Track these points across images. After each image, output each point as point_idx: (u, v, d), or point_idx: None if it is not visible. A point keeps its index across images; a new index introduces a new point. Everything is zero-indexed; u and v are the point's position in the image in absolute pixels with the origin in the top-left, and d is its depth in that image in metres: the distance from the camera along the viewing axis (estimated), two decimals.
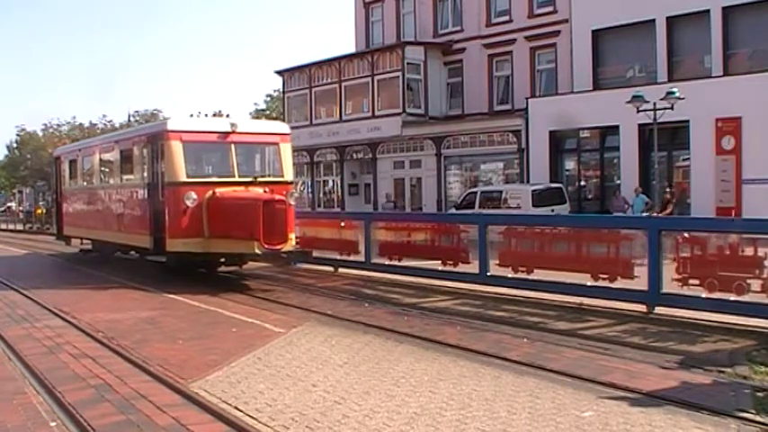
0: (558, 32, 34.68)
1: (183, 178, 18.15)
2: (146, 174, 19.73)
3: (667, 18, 30.99)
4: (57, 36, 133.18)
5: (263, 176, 19.21)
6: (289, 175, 19.96)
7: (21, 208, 68.59)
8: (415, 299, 15.39)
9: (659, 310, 12.31)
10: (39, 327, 12.65)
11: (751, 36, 29.28)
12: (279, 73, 44.61)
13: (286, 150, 20.05)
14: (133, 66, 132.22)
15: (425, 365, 9.45)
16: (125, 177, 21.94)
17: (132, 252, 22.34)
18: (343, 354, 10.22)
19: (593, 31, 33.41)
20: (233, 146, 18.91)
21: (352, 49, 43.65)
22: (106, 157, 23.64)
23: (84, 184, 26.18)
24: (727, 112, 26.02)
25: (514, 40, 36.30)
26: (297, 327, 12.12)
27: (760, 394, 8.06)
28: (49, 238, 37.95)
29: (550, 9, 35.01)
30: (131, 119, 64.68)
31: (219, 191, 18.26)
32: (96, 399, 8.22)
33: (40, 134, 72.88)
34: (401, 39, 40.64)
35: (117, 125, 63.66)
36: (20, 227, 54.94)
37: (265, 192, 18.30)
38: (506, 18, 36.80)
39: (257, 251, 16.89)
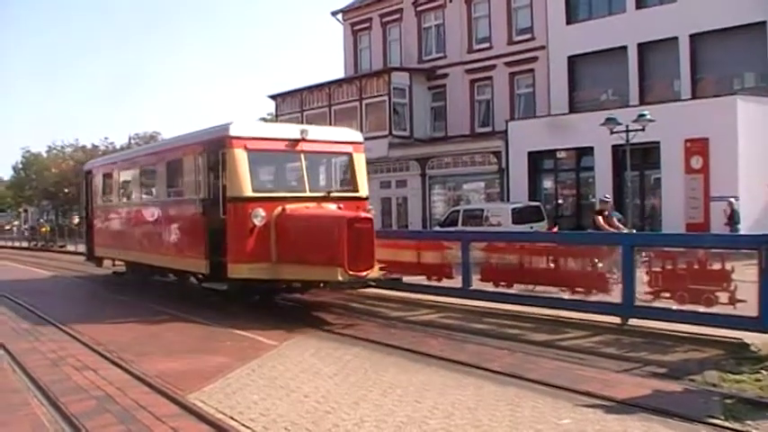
0: (535, 58, 34.93)
1: (249, 193, 15.15)
2: (201, 188, 16.77)
3: (638, 45, 31.36)
4: (62, 61, 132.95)
5: (336, 191, 16.65)
6: (364, 189, 16.90)
7: (25, 226, 68.39)
8: (402, 312, 15.37)
9: (633, 321, 12.32)
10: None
11: (717, 62, 29.58)
12: (272, 97, 44.70)
13: (360, 161, 16.99)
14: (133, 90, 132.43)
15: (411, 376, 9.44)
16: (174, 192, 18.83)
17: (171, 275, 19.90)
18: (333, 365, 10.20)
19: (569, 58, 33.73)
20: (303, 156, 15.99)
21: (341, 75, 43.87)
22: (149, 169, 20.48)
23: (121, 200, 22.79)
24: (695, 133, 26.23)
25: (495, 65, 36.56)
26: (289, 339, 12.10)
27: (729, 401, 8.09)
28: (69, 257, 37.57)
29: (529, 36, 35.30)
30: (131, 141, 64.60)
31: (290, 207, 15.29)
32: (98, 409, 8.19)
33: (45, 155, 72.76)
34: (388, 65, 40.84)
35: (118, 147, 63.61)
36: (24, 244, 54.82)
37: (340, 208, 15.74)
38: (487, 45, 37.07)
39: (341, 279, 13.68)
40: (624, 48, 31.77)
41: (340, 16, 45.40)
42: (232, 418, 7.72)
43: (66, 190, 64.48)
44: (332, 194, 16.22)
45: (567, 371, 9.67)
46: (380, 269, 14.61)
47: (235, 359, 10.61)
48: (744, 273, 11.04)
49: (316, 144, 16.18)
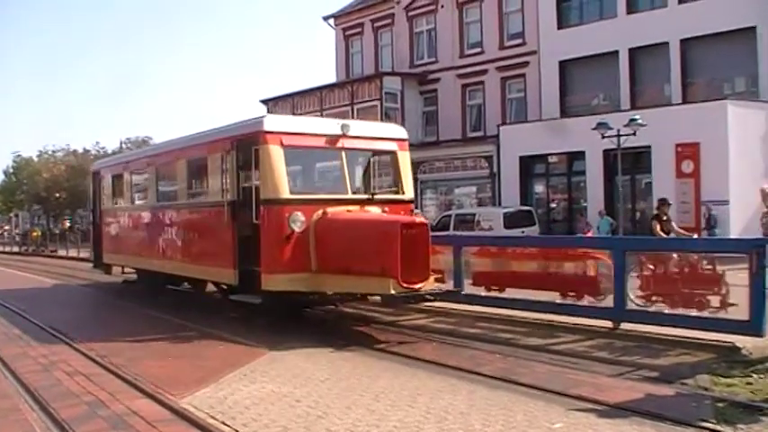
0: (527, 63, 35.06)
1: (287, 195, 13.44)
2: (229, 189, 14.89)
3: (629, 50, 31.53)
4: (57, 63, 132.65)
5: (380, 193, 14.87)
6: (409, 191, 15.19)
7: (16, 231, 68.18)
8: (394, 317, 15.30)
9: (625, 325, 12.31)
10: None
11: (708, 66, 29.76)
12: (264, 102, 44.64)
13: (404, 160, 15.27)
14: (129, 92, 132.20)
15: (404, 381, 9.42)
16: (196, 194, 17.17)
17: (186, 284, 18.79)
18: (325, 370, 10.17)
19: (561, 62, 33.88)
20: (344, 153, 14.34)
21: (333, 79, 43.90)
22: (167, 169, 18.61)
23: (134, 203, 20.90)
24: (686, 137, 26.39)
25: (486, 70, 36.68)
26: (281, 345, 12.00)
27: (720, 405, 8.09)
28: (61, 262, 37.43)
29: (520, 41, 35.44)
30: (123, 146, 64.50)
31: (331, 211, 13.63)
32: (89, 415, 8.15)
33: (36, 160, 72.55)
34: (379, 69, 41.02)
35: (110, 151, 63.49)
36: (15, 249, 54.76)
37: (385, 212, 14.22)
38: (479, 50, 37.20)
39: (393, 292, 11.95)
40: (615, 52, 31.93)
41: (332, 21, 45.48)
42: (224, 423, 7.68)
43: (57, 195, 64.34)
44: (375, 197, 14.53)
45: (559, 375, 9.67)
46: (435, 280, 13.09)
47: (227, 364, 10.56)
48: (735, 276, 11.08)
49: (357, 140, 14.59)
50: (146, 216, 19.58)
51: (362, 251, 12.60)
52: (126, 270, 22.23)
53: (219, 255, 15.06)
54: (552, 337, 12.44)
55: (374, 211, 14.16)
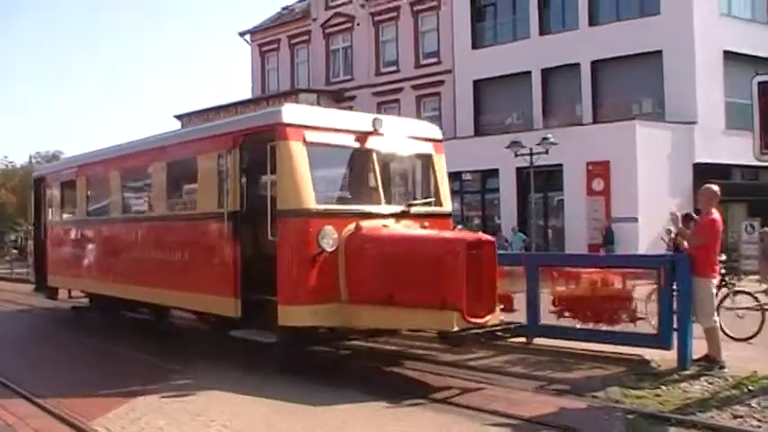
0: (442, 82, 35.51)
1: (313, 204, 10.66)
2: (228, 198, 11.71)
3: (542, 70, 32.21)
4: None
5: (417, 205, 12.17)
6: (447, 203, 12.60)
7: None
8: None
9: (538, 340, 12.48)
10: None
11: (617, 88, 30.56)
12: (178, 117, 44.04)
13: (441, 165, 12.60)
14: (30, 109, 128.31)
15: (321, 400, 9.37)
16: (180, 204, 14.19)
17: (146, 310, 15.85)
18: (242, 388, 10.00)
19: (475, 82, 34.41)
20: (375, 155, 11.59)
21: (249, 95, 43.65)
22: (137, 174, 15.41)
23: (92, 215, 17.07)
24: (596, 156, 27.02)
25: (402, 88, 37.04)
26: (198, 364, 11.80)
27: (630, 416, 8.27)
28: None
29: (435, 60, 35.90)
30: (33, 160, 62.77)
31: (366, 226, 10.85)
32: None
33: None
34: (295, 86, 40.90)
35: (18, 166, 61.73)
36: None
37: (424, 227, 11.55)
38: (394, 68, 37.57)
39: (456, 328, 9.49)
40: (528, 73, 32.61)
41: (248, 37, 45.29)
42: None
43: None
44: (413, 209, 11.91)
45: (474, 391, 9.75)
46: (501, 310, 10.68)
47: (142, 384, 10.28)
48: (644, 292, 11.38)
49: (390, 140, 11.86)
50: (107, 231, 16.26)
51: (413, 277, 10.06)
52: (74, 294, 18.96)
53: (215, 279, 12.05)
54: (467, 353, 12.51)
55: (410, 225, 11.61)
